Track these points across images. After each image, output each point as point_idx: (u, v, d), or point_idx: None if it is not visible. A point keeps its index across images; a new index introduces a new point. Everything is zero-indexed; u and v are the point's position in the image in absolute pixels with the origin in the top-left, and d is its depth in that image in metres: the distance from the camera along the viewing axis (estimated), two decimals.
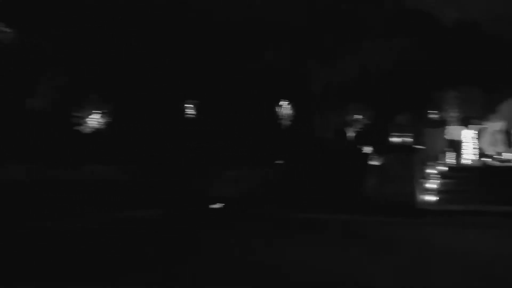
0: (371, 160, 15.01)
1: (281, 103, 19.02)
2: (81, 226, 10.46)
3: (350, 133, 18.93)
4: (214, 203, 13.97)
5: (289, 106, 18.97)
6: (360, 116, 18.24)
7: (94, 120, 16.86)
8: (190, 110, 17.68)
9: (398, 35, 16.32)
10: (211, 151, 15.80)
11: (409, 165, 12.59)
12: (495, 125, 15.30)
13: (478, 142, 15.28)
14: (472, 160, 15.00)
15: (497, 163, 14.59)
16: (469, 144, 15.16)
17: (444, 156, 14.87)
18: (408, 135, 12.91)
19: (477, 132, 15.40)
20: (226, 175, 14.80)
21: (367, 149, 16.05)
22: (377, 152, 14.44)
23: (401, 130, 13.64)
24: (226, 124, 17.21)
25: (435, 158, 14.53)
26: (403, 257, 7.26)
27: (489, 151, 15.02)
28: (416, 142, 13.74)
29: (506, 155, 14.68)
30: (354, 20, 15.94)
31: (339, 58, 16.59)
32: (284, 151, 16.01)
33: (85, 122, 16.78)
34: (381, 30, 16.04)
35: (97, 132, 16.87)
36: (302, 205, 12.95)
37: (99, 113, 16.91)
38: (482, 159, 14.91)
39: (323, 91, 18.17)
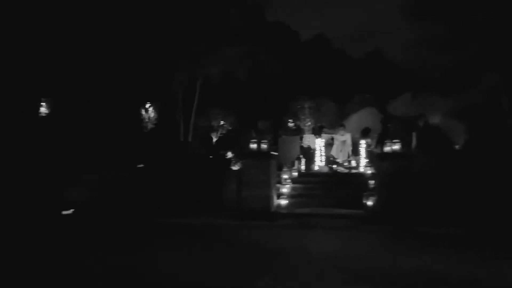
0: (232, 165, 15.41)
1: (146, 106, 18.70)
2: None
3: (214, 138, 19.35)
4: (68, 209, 13.15)
5: (153, 109, 18.72)
6: (223, 122, 18.75)
7: None
8: (43, 108, 16.43)
9: (259, 46, 17.05)
10: (66, 153, 14.86)
11: (265, 170, 13.05)
12: (343, 135, 16.67)
13: (328, 150, 16.50)
14: (322, 167, 16.16)
15: (344, 170, 15.94)
16: (320, 151, 16.32)
17: (298, 163, 15.78)
18: (266, 142, 13.43)
19: (327, 140, 16.62)
20: (82, 179, 14.05)
21: (229, 154, 16.49)
22: (237, 157, 14.87)
23: (260, 136, 14.17)
24: (85, 124, 16.34)
25: (290, 164, 15.36)
26: (251, 258, 7.62)
27: (337, 158, 16.33)
28: (273, 148, 14.39)
29: (352, 163, 16.15)
30: (218, 28, 16.29)
31: (203, 64, 16.82)
32: (147, 154, 15.72)
33: None
34: (244, 40, 16.61)
35: None
36: (162, 209, 12.83)
37: None
38: (331, 166, 16.13)
39: (188, 95, 18.24)
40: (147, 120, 18.21)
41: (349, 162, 16.24)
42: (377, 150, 14.05)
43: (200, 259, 7.45)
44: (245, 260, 7.41)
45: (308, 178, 15.11)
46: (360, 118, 17.98)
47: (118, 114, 16.84)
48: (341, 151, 16.26)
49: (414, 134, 14.66)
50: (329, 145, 16.60)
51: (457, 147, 14.90)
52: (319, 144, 16.36)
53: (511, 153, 12.04)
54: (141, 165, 15.10)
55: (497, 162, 11.74)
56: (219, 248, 8.58)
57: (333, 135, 16.80)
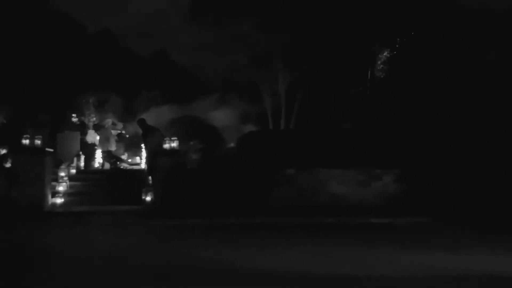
0: (4, 162, 14.21)
1: None
2: None
3: None
4: None
5: None
6: None
7: None
8: None
9: (40, 35, 15.91)
10: None
11: (39, 167, 12.38)
12: (128, 130, 16.64)
13: (111, 146, 16.27)
14: (102, 164, 15.91)
15: (127, 166, 15.98)
16: (102, 148, 16.03)
17: (78, 159, 15.27)
18: (41, 137, 12.70)
19: (111, 136, 16.38)
20: None
21: (2, 150, 15.16)
22: (10, 153, 13.79)
23: (36, 131, 13.34)
24: None
25: (69, 161, 14.78)
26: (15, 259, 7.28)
27: (120, 155, 16.25)
28: (51, 144, 13.70)
29: (134, 159, 16.31)
30: None
31: None
32: None
33: None
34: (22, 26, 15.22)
35: None
36: None
37: None
38: (114, 161, 15.96)
39: None
40: None
41: (133, 158, 16.35)
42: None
43: None
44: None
45: (87, 175, 14.76)
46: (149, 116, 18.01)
47: None
48: (125, 147, 16.04)
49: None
50: (112, 140, 16.38)
51: (232, 144, 16.26)
52: (101, 140, 16.07)
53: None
54: None
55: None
56: None
57: (118, 131, 16.60)
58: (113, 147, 16.04)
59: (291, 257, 7.34)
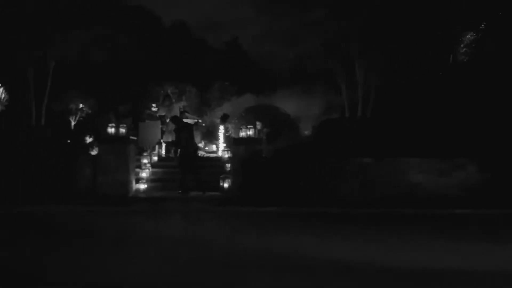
0: (90, 150, 14.94)
1: None
2: None
3: (73, 122, 18.38)
4: None
5: (4, 90, 17.15)
6: (82, 105, 17.88)
7: None
8: None
9: (119, 28, 16.53)
10: None
11: (123, 155, 12.85)
12: (204, 120, 16.97)
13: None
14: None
15: (204, 154, 16.33)
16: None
17: (159, 147, 15.78)
18: (125, 126, 13.20)
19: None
20: None
21: (88, 139, 15.91)
22: (96, 142, 14.46)
23: (119, 121, 13.94)
24: None
25: (150, 148, 15.32)
26: (105, 245, 7.52)
27: (197, 143, 16.56)
28: (133, 133, 14.25)
29: (211, 147, 16.64)
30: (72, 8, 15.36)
31: (56, 44, 15.78)
32: None
33: None
34: (99, 22, 15.88)
35: None
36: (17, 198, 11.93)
37: None
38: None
39: (41, 77, 16.94)
40: None
41: (209, 146, 16.69)
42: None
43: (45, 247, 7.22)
44: (89, 246, 7.41)
45: (168, 162, 15.11)
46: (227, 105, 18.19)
47: None
48: (201, 136, 16.44)
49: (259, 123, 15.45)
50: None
51: (306, 132, 16.16)
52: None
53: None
54: None
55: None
56: (72, 237, 8.21)
57: (195, 120, 16.96)
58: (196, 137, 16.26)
59: (374, 250, 7.12)
